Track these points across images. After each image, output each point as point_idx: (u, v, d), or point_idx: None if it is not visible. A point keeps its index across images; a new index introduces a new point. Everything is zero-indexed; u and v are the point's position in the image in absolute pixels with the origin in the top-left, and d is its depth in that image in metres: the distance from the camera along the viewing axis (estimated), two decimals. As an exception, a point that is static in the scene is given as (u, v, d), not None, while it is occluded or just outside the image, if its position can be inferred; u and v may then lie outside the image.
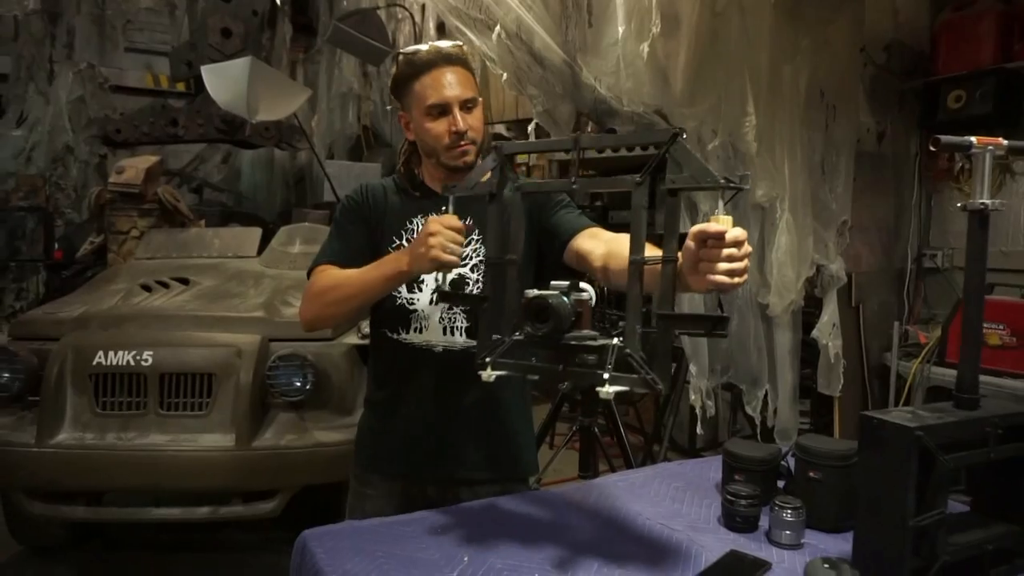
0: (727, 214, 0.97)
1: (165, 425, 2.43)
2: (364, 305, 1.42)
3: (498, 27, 2.23)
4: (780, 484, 1.40)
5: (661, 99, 2.50)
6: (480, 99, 1.43)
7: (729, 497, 1.29)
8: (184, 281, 3.02)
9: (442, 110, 1.38)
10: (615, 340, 1.05)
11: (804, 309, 3.03)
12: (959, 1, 3.33)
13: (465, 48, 1.42)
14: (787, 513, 1.21)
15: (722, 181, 0.95)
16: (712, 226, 0.96)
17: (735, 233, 0.96)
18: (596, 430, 2.10)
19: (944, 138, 1.02)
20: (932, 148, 1.03)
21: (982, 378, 1.12)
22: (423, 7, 5.17)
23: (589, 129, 4.36)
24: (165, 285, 2.98)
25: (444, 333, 1.44)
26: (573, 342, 1.07)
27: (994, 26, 3.13)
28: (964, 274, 1.08)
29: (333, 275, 1.41)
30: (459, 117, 1.38)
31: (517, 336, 1.14)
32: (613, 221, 4.66)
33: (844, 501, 1.25)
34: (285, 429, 2.50)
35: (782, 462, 1.41)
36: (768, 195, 2.89)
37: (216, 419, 2.45)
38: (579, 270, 1.40)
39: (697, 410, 3.24)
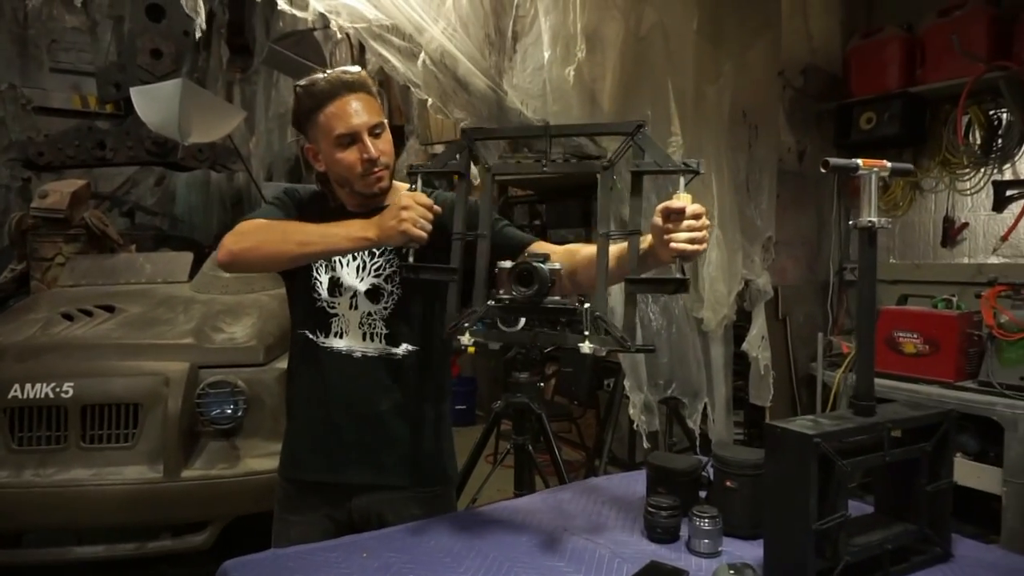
0: (687, 193, 1.14)
1: (88, 459, 2.35)
2: (310, 256, 1.37)
3: (423, 54, 2.25)
4: (702, 494, 1.44)
5: (589, 121, 2.56)
6: (386, 122, 1.42)
7: (650, 509, 1.32)
8: (109, 308, 2.92)
9: (351, 139, 1.37)
10: (586, 305, 1.17)
11: (735, 323, 3.12)
12: (867, 28, 3.52)
13: (362, 72, 1.41)
14: (704, 522, 1.25)
15: (681, 166, 1.15)
16: (674, 203, 1.13)
17: (694, 208, 1.13)
18: (530, 447, 2.12)
19: (832, 161, 1.09)
20: (823, 170, 1.10)
21: (898, 385, 1.20)
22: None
23: (526, 149, 4.44)
24: (88, 313, 2.88)
25: (363, 339, 1.45)
26: (551, 306, 1.18)
27: (899, 52, 3.32)
28: (856, 288, 1.14)
29: (279, 220, 1.40)
30: (369, 144, 1.37)
31: (491, 304, 1.22)
32: (553, 239, 4.74)
33: (758, 508, 1.30)
34: (216, 458, 2.44)
35: (702, 472, 1.46)
36: (697, 212, 2.98)
37: (142, 450, 2.37)
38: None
39: (636, 425, 3.29)
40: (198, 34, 1.93)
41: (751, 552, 1.26)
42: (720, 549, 1.26)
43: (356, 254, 1.45)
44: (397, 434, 1.48)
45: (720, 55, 2.93)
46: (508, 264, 1.22)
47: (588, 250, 1.33)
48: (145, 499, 2.34)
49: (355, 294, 1.44)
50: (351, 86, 1.37)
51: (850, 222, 1.13)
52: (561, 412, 4.02)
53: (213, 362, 2.52)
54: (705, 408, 3.03)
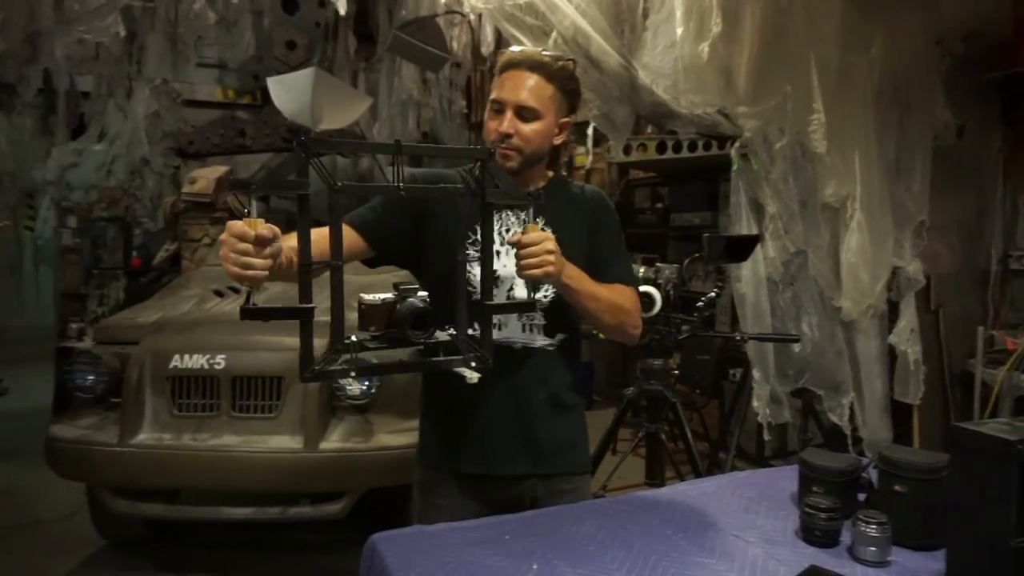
0: (535, 222, 1.25)
1: (237, 427, 2.51)
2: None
3: (554, 33, 2.22)
4: (860, 497, 1.34)
5: (723, 99, 2.44)
6: (547, 115, 1.42)
7: (808, 509, 1.24)
8: (254, 287, 3.10)
9: (498, 107, 1.40)
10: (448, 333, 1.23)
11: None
12: (1045, -13, 3.13)
13: (568, 64, 1.43)
14: (872, 528, 1.16)
15: (528, 198, 1.22)
16: (516, 235, 1.23)
17: (527, 237, 1.22)
18: (663, 436, 2.06)
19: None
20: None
21: None
22: (480, 15, 5.21)
23: (649, 130, 4.32)
24: (236, 290, 3.08)
25: (523, 331, 1.45)
26: (423, 339, 1.19)
27: (1084, 13, 2.93)
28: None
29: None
30: (508, 119, 1.39)
31: (365, 340, 1.16)
32: (676, 223, 4.59)
33: (932, 517, 1.19)
34: (351, 432, 2.54)
35: (863, 474, 1.35)
36: (838, 195, 2.79)
37: (285, 421, 2.51)
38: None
39: (759, 418, 3.14)
40: (342, 10, 1.97)
41: (922, 564, 1.16)
42: (889, 559, 1.16)
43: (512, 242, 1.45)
44: (553, 423, 1.48)
45: (870, 23, 2.70)
46: (375, 299, 1.17)
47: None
48: (287, 468, 2.47)
49: (512, 287, 1.44)
50: (534, 65, 1.40)
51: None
52: (684, 401, 3.90)
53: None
54: (852, 405, 2.84)
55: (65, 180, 7.70)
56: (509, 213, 1.48)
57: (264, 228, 1.04)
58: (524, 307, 1.30)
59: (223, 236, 1.07)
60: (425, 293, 1.20)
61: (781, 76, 2.54)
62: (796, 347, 2.85)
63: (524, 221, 1.25)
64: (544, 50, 1.43)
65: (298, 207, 1.06)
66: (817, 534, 1.22)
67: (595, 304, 1.41)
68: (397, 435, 2.51)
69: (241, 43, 6.00)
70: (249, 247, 1.04)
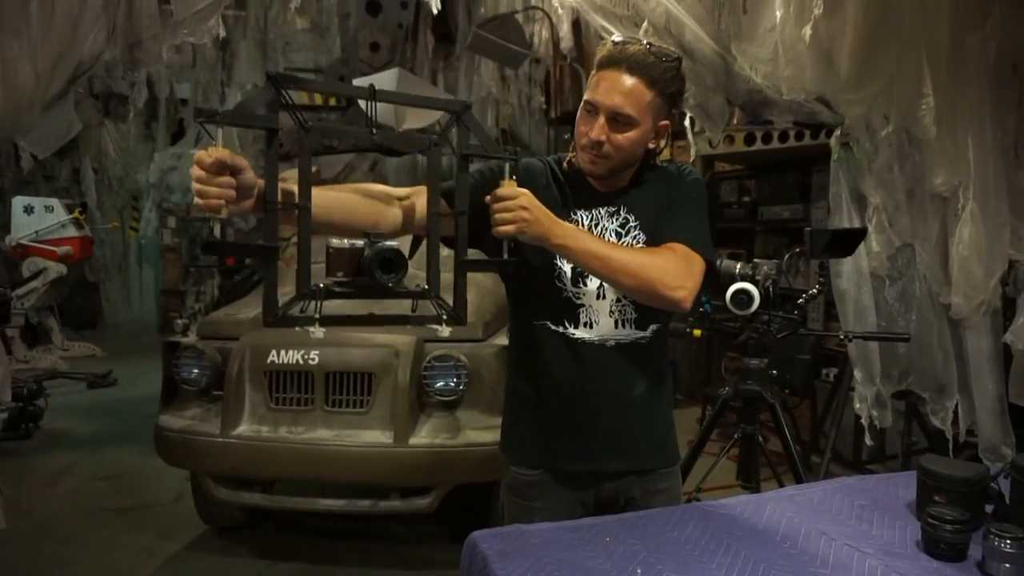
0: (511, 179, 1.23)
1: (330, 421, 2.58)
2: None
3: (645, 23, 2.17)
4: (988, 509, 1.25)
5: (824, 85, 2.32)
6: (642, 121, 1.32)
7: (931, 520, 1.16)
8: (343, 284, 3.19)
9: (592, 109, 1.33)
10: (423, 287, 1.19)
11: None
12: None
13: (673, 64, 1.33)
14: (1007, 543, 1.07)
15: (505, 152, 1.23)
16: (494, 193, 1.22)
17: (502, 191, 1.21)
18: (760, 438, 1.98)
19: None
20: None
21: None
22: (558, 8, 5.17)
23: (735, 121, 4.17)
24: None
25: (616, 326, 1.41)
26: (401, 290, 1.16)
27: None
28: None
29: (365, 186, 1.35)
30: (600, 126, 1.31)
31: (330, 286, 1.14)
32: (766, 217, 4.42)
33: (1077, 533, 1.09)
34: (439, 428, 2.57)
35: (991, 484, 1.26)
36: (948, 183, 2.61)
37: (376, 417, 2.56)
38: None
39: (863, 420, 2.99)
40: (435, 8, 1.99)
41: (1065, 583, 1.06)
42: (1026, 576, 1.07)
43: (601, 235, 1.41)
44: (649, 417, 1.46)
45: (985, -3, 2.51)
46: (344, 244, 1.13)
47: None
48: (378, 462, 2.52)
49: (603, 283, 1.40)
50: (634, 67, 1.30)
51: None
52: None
53: (437, 337, 2.65)
54: (956, 407, 2.66)
55: (166, 183, 8.17)
56: (600, 209, 1.43)
57: (223, 155, 1.02)
58: (499, 266, 1.27)
59: (193, 169, 1.05)
60: (395, 243, 1.16)
61: (886, 59, 2.39)
62: (901, 347, 2.69)
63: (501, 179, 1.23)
64: (649, 44, 1.33)
65: (266, 142, 1.07)
66: (942, 547, 1.15)
67: (600, 264, 1.29)
68: (484, 432, 2.52)
69: (328, 47, 6.18)
70: (203, 174, 1.02)
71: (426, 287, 1.20)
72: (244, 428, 2.59)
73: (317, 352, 2.60)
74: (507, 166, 1.22)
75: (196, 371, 2.76)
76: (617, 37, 1.36)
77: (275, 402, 2.63)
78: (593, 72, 1.35)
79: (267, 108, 1.06)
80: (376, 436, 2.53)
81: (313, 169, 4.05)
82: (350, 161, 6.91)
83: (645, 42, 1.34)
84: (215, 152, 1.02)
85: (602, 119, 1.32)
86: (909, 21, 2.39)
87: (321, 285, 1.11)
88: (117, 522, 3.30)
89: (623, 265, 1.30)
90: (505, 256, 1.25)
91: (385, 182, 6.89)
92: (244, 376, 2.64)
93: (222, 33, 2.74)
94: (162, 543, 3.07)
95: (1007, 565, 1.07)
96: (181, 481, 3.29)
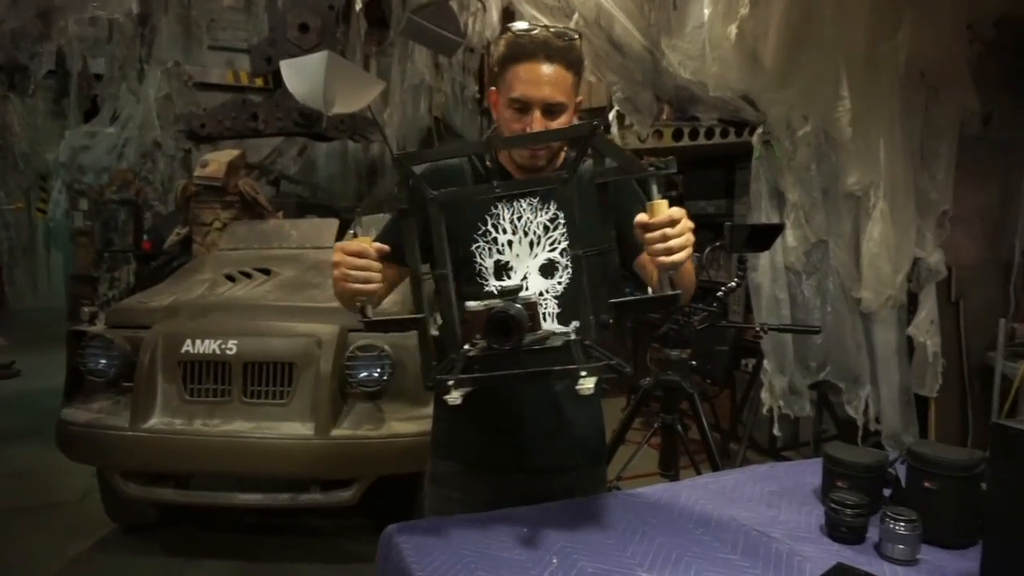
0: (662, 198, 1.05)
1: (249, 412, 2.50)
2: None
3: (576, 15, 2.17)
4: (885, 493, 1.31)
5: (749, 83, 2.38)
6: (570, 105, 1.33)
7: (834, 505, 1.20)
8: (266, 271, 3.09)
9: (522, 107, 1.31)
10: (572, 335, 1.11)
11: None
12: (1080, -31, 3.03)
13: (577, 42, 1.32)
14: (901, 526, 1.12)
15: (650, 168, 1.04)
16: (641, 217, 1.06)
17: (660, 216, 1.04)
18: (679, 428, 2.02)
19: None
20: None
21: None
22: (489, -1, 5.14)
23: (665, 116, 4.25)
24: (248, 275, 3.06)
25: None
26: (535, 346, 1.09)
27: (1121, -4, 2.84)
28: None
29: None
30: (539, 120, 1.30)
31: (468, 351, 1.09)
32: (691, 212, 4.52)
33: (964, 515, 1.16)
34: (362, 419, 2.52)
35: (889, 469, 1.32)
36: (861, 183, 2.73)
37: (296, 408, 2.49)
38: (644, 279, 1.35)
39: (765, 410, 3.11)
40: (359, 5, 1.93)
41: (954, 564, 1.12)
42: (918, 557, 1.13)
43: (525, 229, 1.40)
44: (572, 414, 1.45)
45: (899, 7, 2.63)
46: (477, 306, 1.09)
47: None
48: (298, 454, 2.46)
49: (526, 276, 1.39)
50: (552, 54, 1.29)
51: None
52: (699, 392, 3.87)
53: (360, 326, 2.60)
54: (867, 398, 2.79)
55: (77, 163, 7.71)
56: (521, 201, 1.41)
57: (377, 245, 1.15)
58: (663, 303, 1.10)
59: (336, 256, 1.15)
60: (531, 292, 1.12)
61: (807, 61, 2.48)
62: (817, 339, 2.80)
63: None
64: (546, 26, 1.33)
65: (401, 222, 1.13)
66: (843, 530, 1.19)
67: (689, 279, 1.31)
68: (409, 423, 2.49)
69: (256, 26, 5.96)
70: (369, 263, 1.14)
71: (571, 338, 1.11)
72: (156, 421, 2.48)
73: (235, 342, 2.51)
74: (653, 184, 1.06)
75: (104, 361, 2.62)
76: (518, 27, 1.33)
77: (190, 393, 2.52)
78: (505, 67, 1.32)
79: (398, 188, 1.14)
80: (297, 428, 2.47)
81: (237, 152, 3.87)
82: (278, 146, 6.71)
83: (542, 25, 1.33)
84: (361, 242, 1.15)
85: (538, 113, 1.31)
86: (829, 25, 2.47)
87: (467, 349, 1.10)
88: (19, 522, 3.11)
89: (690, 276, 1.34)
90: (668, 291, 1.07)
91: (314, 168, 6.71)
92: (156, 366, 2.52)
93: (135, 9, 2.58)
94: (68, 543, 2.91)
95: (900, 546, 1.12)
96: (87, 478, 3.12)
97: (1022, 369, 2.89)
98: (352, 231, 1.17)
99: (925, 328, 2.89)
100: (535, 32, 1.31)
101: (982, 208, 3.20)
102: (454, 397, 1.05)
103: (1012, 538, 0.96)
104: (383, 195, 1.18)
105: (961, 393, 3.19)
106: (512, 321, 1.05)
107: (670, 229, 1.04)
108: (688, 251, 1.06)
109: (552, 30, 1.33)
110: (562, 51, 1.30)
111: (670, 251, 1.04)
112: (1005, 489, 0.97)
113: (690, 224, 1.07)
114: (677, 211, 1.06)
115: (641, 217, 1.06)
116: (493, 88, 1.39)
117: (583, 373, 1.02)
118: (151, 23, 6.52)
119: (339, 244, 1.16)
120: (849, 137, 2.52)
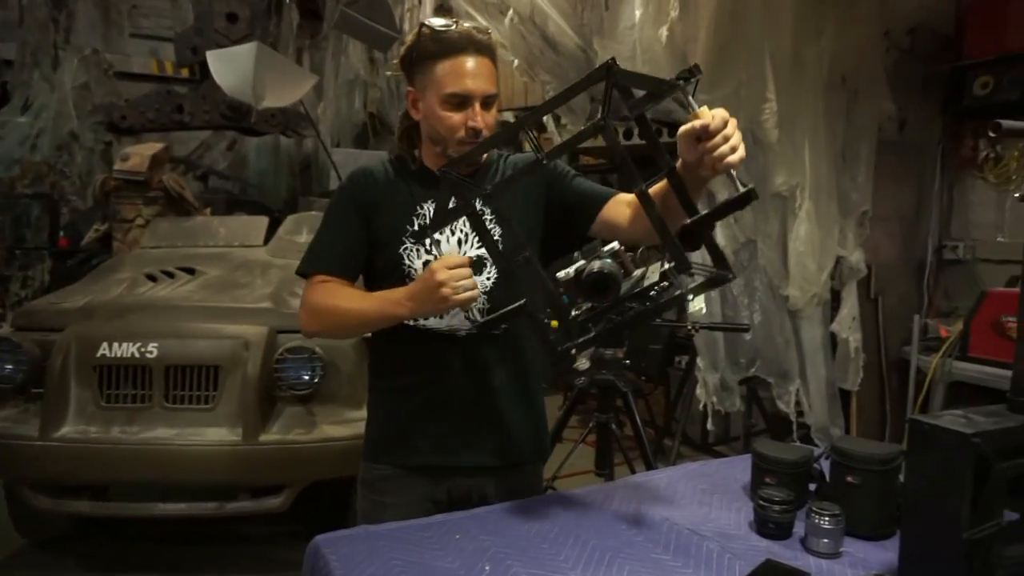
0: (700, 106, 1.05)
1: (171, 418, 2.38)
2: (362, 333, 1.39)
3: (511, 12, 2.16)
4: (811, 487, 1.34)
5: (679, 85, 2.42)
6: (497, 96, 1.36)
7: (762, 502, 1.22)
8: (190, 271, 2.96)
9: (462, 101, 1.30)
10: (657, 272, 1.10)
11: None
12: (987, -17, 3.21)
13: (492, 36, 1.35)
14: (825, 520, 1.15)
15: (680, 82, 1.03)
16: (697, 122, 1.05)
17: (718, 117, 1.04)
18: (614, 427, 2.04)
19: (1006, 123, 0.94)
20: (992, 133, 0.96)
21: (1003, 372, 1.06)
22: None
23: (599, 116, 4.29)
24: (171, 275, 2.92)
25: (467, 318, 1.39)
26: (635, 291, 1.11)
27: (1024, 9, 3.02)
28: None
29: (331, 293, 1.37)
30: (479, 113, 1.30)
31: (577, 316, 1.12)
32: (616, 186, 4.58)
33: (884, 507, 1.19)
34: (293, 423, 2.45)
35: (814, 464, 1.35)
36: (788, 183, 2.82)
37: (222, 412, 2.40)
38: (607, 239, 1.34)
39: (702, 405, 3.18)
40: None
41: (874, 555, 1.15)
42: (841, 550, 1.16)
43: (452, 228, 1.39)
44: (506, 412, 1.43)
45: (822, 13, 2.73)
46: (569, 272, 1.12)
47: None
48: (225, 461, 2.36)
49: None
50: (480, 47, 1.31)
51: (1016, 195, 0.99)
52: (632, 389, 3.93)
53: (291, 327, 2.51)
54: (798, 392, 2.89)
55: (-15, 154, 7.22)
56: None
57: (463, 259, 1.21)
58: (743, 200, 1.01)
59: (441, 275, 1.17)
60: (613, 245, 1.12)
61: (736, 64, 2.54)
62: (747, 336, 2.87)
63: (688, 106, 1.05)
64: (456, 22, 1.34)
65: (473, 225, 1.21)
66: (771, 527, 1.21)
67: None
68: (341, 426, 2.43)
69: (180, 15, 5.71)
70: (465, 271, 1.19)
71: (663, 284, 1.10)
72: (68, 429, 2.34)
73: (156, 344, 2.40)
74: (690, 95, 1.04)
75: (10, 367, 2.46)
76: (437, 23, 1.32)
77: (106, 399, 2.39)
78: (431, 63, 1.30)
79: (457, 197, 1.17)
80: (223, 433, 2.37)
81: (161, 146, 3.69)
82: (206, 140, 6.46)
83: (455, 21, 1.34)
84: (455, 258, 1.21)
85: (477, 106, 1.31)
86: (755, 30, 2.54)
87: (575, 315, 1.11)
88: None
89: None
90: (741, 187, 1.01)
91: (245, 163, 6.47)
92: (69, 371, 2.38)
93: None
94: (-32, 561, 2.73)
95: (825, 540, 1.15)
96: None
97: (934, 362, 3.04)
98: (427, 244, 1.30)
99: (847, 324, 3.01)
100: (452, 27, 1.31)
101: (899, 209, 3.35)
102: (582, 363, 1.09)
103: (927, 527, 0.99)
104: (440, 210, 1.20)
105: (880, 386, 3.34)
106: (605, 276, 1.08)
107: (728, 130, 1.05)
108: (741, 152, 1.06)
109: (467, 24, 1.34)
110: (487, 44, 1.33)
111: (735, 148, 1.05)
112: (921, 481, 1.00)
113: (735, 121, 1.08)
114: (721, 111, 1.06)
115: (693, 125, 1.05)
116: (411, 88, 1.37)
117: (690, 297, 1.08)
118: (66, 7, 6.17)
119: (440, 262, 1.19)
120: (776, 139, 2.59)
